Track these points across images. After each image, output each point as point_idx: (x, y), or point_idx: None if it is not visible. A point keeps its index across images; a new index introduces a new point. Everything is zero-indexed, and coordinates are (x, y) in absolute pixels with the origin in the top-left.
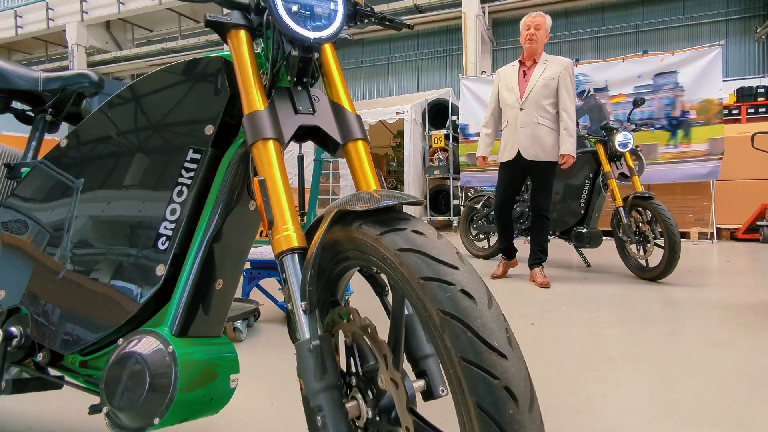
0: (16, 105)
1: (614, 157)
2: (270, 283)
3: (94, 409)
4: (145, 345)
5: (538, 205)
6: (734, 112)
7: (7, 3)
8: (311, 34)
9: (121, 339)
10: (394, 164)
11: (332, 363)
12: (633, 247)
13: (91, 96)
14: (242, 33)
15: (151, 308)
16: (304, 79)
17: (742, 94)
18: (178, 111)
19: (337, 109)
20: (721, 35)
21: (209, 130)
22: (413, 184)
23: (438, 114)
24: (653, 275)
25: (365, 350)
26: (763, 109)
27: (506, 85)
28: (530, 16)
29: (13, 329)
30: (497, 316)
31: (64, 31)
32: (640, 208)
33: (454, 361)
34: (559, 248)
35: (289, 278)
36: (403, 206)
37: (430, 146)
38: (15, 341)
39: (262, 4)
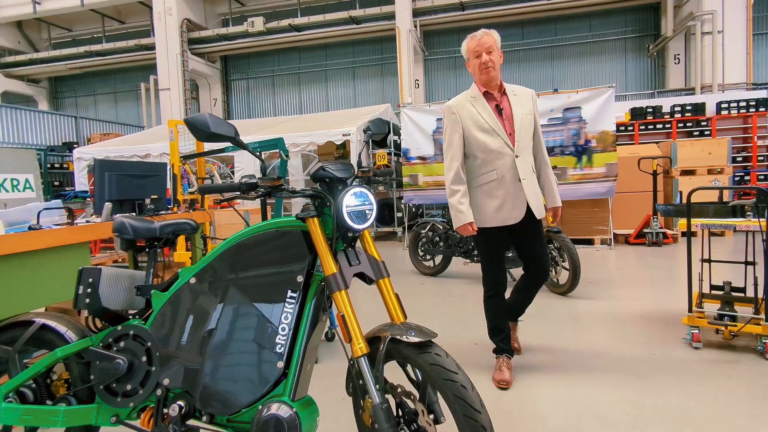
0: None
1: None
2: None
3: None
4: (279, 410)
5: (546, 272)
6: (629, 128)
7: None
8: (360, 227)
9: (261, 405)
10: None
11: (390, 413)
12: None
13: (189, 234)
14: (316, 220)
15: (272, 385)
16: (353, 244)
17: (635, 113)
18: (278, 265)
19: (371, 259)
20: (621, 51)
21: (299, 278)
22: None
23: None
24: (562, 291)
25: (407, 404)
26: (651, 126)
27: (478, 124)
28: (474, 39)
29: (181, 402)
30: (477, 394)
31: None
32: (552, 239)
33: (459, 415)
34: None
35: (363, 373)
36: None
37: (375, 163)
38: (183, 410)
39: (327, 203)
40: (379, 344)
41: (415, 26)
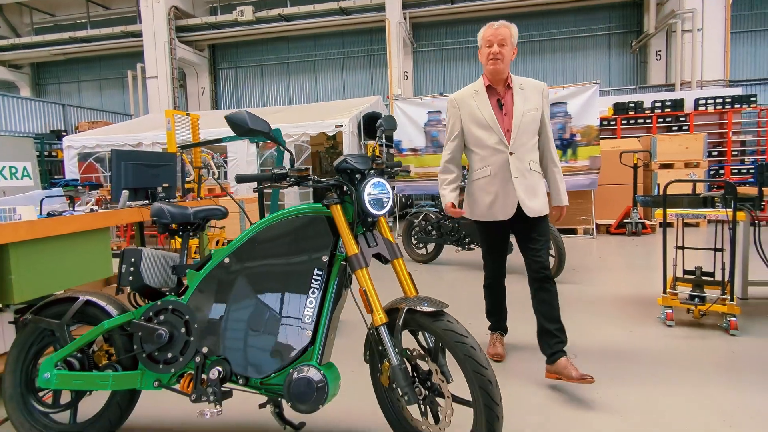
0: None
1: None
2: None
3: (262, 406)
4: (309, 372)
5: (542, 264)
6: (612, 123)
7: None
8: (378, 212)
9: (291, 369)
10: (326, 164)
11: (407, 373)
12: None
13: (219, 219)
14: (339, 207)
15: (300, 352)
16: (371, 228)
17: (618, 108)
18: (305, 246)
19: (386, 241)
20: (605, 47)
21: (324, 258)
22: None
23: (372, 123)
24: None
25: (422, 366)
26: (633, 121)
27: (476, 120)
28: (491, 28)
29: (219, 368)
30: (484, 354)
31: None
32: None
33: (469, 371)
34: (475, 253)
35: (384, 340)
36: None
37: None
38: (221, 375)
39: (347, 191)
40: (396, 315)
41: (405, 18)
